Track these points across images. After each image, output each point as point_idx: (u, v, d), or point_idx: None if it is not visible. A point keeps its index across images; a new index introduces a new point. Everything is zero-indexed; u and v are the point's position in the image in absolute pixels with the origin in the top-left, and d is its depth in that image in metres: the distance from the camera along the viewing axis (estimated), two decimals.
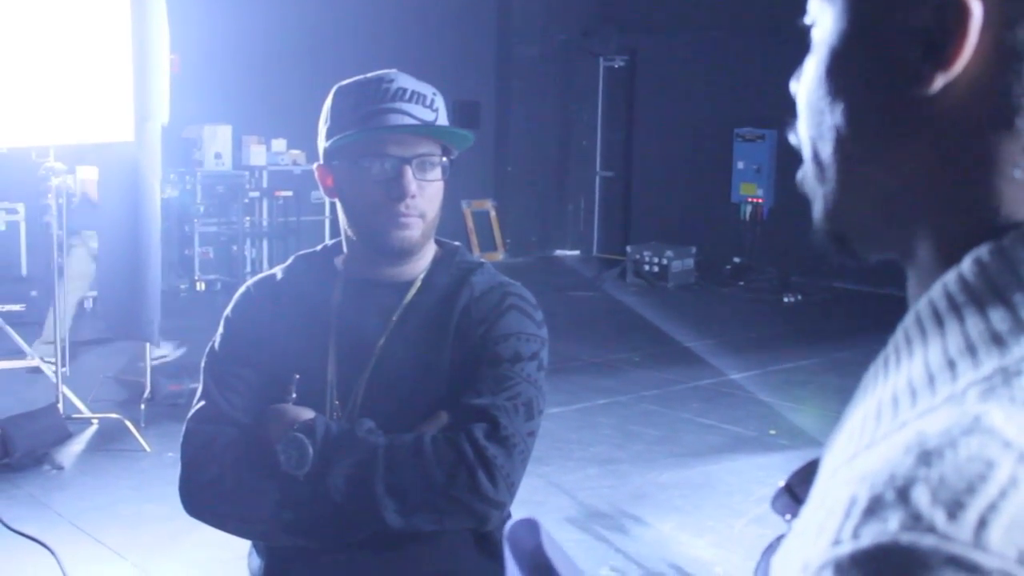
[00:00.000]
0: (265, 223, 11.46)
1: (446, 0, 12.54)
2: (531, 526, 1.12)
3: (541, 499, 5.05)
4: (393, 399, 1.81)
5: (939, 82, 0.64)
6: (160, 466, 5.60)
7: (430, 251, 1.93)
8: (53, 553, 4.29)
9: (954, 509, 0.51)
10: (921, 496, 0.52)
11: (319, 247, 2.03)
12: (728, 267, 11.83)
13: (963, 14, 0.62)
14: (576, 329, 9.25)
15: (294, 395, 1.81)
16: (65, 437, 5.83)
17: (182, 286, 10.59)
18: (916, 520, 0.51)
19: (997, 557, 0.50)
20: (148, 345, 6.26)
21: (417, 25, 12.12)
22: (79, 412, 6.11)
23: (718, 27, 11.89)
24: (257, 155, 11.25)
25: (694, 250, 11.81)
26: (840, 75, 0.70)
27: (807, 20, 0.72)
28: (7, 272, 9.21)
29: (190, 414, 1.88)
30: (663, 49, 12.80)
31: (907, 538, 0.51)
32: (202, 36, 9.39)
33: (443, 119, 1.87)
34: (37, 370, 6.39)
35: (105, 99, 5.68)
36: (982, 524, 0.50)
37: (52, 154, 5.93)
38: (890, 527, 0.51)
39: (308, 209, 11.41)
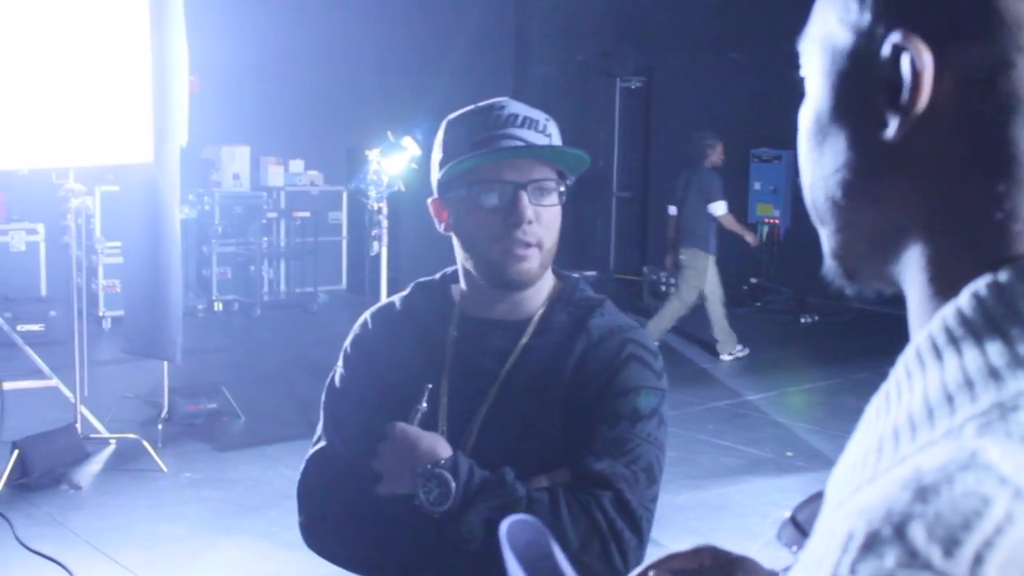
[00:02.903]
0: (283, 244, 11.49)
1: (464, 21, 12.59)
2: (526, 524, 1.13)
3: None
4: (504, 444, 1.76)
5: (904, 127, 0.66)
6: (177, 486, 5.61)
7: (547, 283, 1.87)
8: (70, 573, 4.31)
9: (950, 546, 0.51)
10: (917, 532, 0.52)
11: (438, 275, 1.96)
12: (745, 287, 11.81)
13: (916, 62, 0.65)
14: None
15: (424, 405, 1.75)
16: (83, 457, 5.85)
17: (200, 306, 10.63)
18: (912, 557, 0.51)
19: None
20: (166, 364, 6.28)
21: (435, 46, 12.16)
22: (97, 432, 6.13)
23: (735, 48, 11.91)
24: (275, 176, 11.30)
25: None
26: (824, 127, 0.73)
27: (801, 73, 0.76)
28: (27, 292, 9.26)
29: (309, 452, 1.86)
30: (680, 70, 12.81)
31: (903, 574, 0.51)
32: (221, 58, 9.45)
33: (557, 144, 1.83)
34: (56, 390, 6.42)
35: (125, 120, 5.72)
36: (978, 561, 0.51)
37: (72, 175, 5.97)
38: (887, 564, 0.52)
39: (326, 230, 11.45)
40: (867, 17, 0.69)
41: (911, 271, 0.69)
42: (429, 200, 1.88)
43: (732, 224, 8.90)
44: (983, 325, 0.61)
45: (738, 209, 11.95)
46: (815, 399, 7.75)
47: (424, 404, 1.76)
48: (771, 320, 10.99)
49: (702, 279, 8.76)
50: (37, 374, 6.48)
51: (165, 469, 5.77)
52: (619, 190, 14.07)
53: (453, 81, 12.40)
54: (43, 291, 9.46)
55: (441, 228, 1.88)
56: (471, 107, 1.84)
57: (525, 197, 1.75)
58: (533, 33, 13.64)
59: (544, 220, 1.78)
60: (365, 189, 5.89)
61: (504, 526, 1.16)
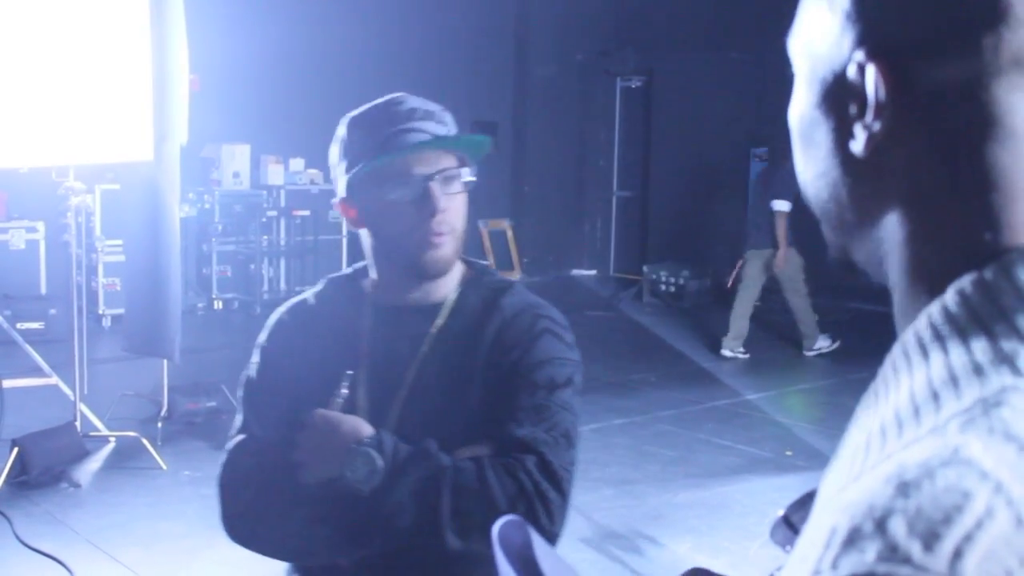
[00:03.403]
0: (283, 242, 11.49)
1: (464, 21, 12.59)
2: (518, 526, 1.13)
3: None
4: (426, 425, 1.81)
5: (870, 143, 0.68)
6: (177, 484, 5.61)
7: (457, 269, 1.93)
8: (70, 571, 4.31)
9: (930, 540, 0.51)
10: (898, 527, 0.52)
11: (350, 269, 2.02)
12: None
13: (878, 85, 0.66)
14: (592, 349, 9.22)
15: (345, 391, 1.80)
16: (82, 455, 5.85)
17: (200, 304, 10.63)
18: (893, 551, 0.52)
19: None
20: (165, 362, 6.28)
21: (435, 46, 12.17)
22: (96, 430, 6.13)
23: (735, 48, 11.91)
24: (275, 174, 11.30)
25: (711, 270, 11.79)
26: (808, 132, 0.75)
27: (794, 70, 0.77)
28: (27, 291, 9.26)
29: (229, 446, 1.88)
30: (680, 69, 12.81)
31: (883, 569, 0.51)
32: (221, 56, 9.45)
33: (454, 132, 1.89)
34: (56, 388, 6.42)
35: (124, 119, 5.72)
36: (957, 555, 0.51)
37: (72, 174, 5.97)
38: (867, 558, 0.52)
39: (326, 228, 11.45)
40: (837, 29, 0.70)
41: (895, 271, 0.70)
42: (334, 201, 1.93)
43: (780, 228, 8.69)
44: (968, 322, 0.61)
45: (739, 209, 11.97)
46: (815, 399, 7.76)
47: (344, 390, 1.80)
48: (771, 320, 10.98)
49: (797, 268, 8.73)
50: (37, 372, 6.48)
51: (165, 467, 5.77)
52: (619, 189, 14.07)
53: (454, 80, 12.41)
54: (43, 289, 9.46)
55: (350, 226, 1.93)
56: (370, 105, 1.89)
57: (435, 188, 1.81)
58: (533, 32, 13.64)
59: (453, 208, 1.84)
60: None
61: (496, 528, 1.17)
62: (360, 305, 1.93)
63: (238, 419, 1.92)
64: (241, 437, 1.88)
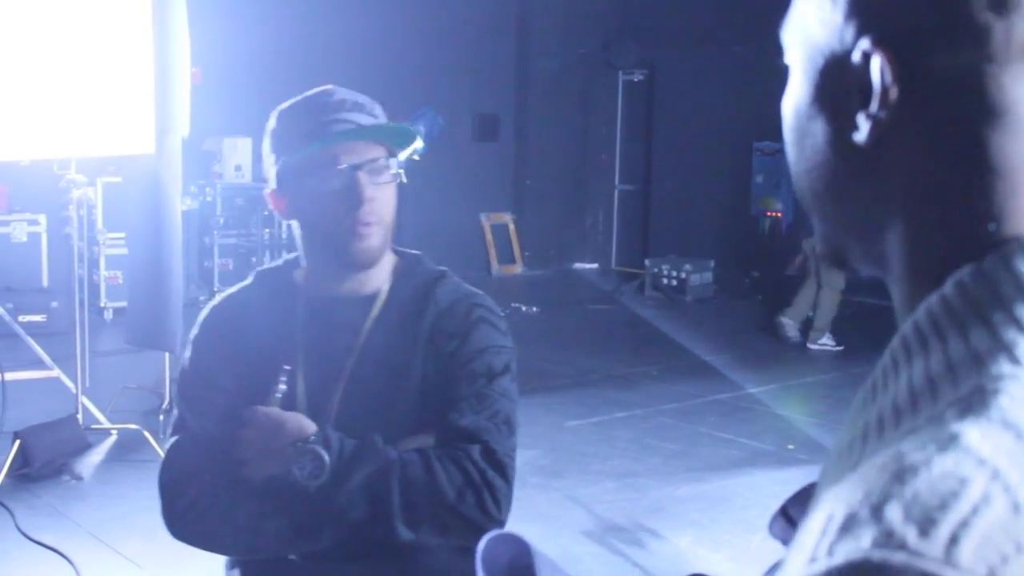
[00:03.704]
0: (284, 235, 11.48)
1: (465, 14, 12.57)
2: (508, 540, 1.11)
3: (558, 513, 5.04)
4: (366, 417, 1.81)
5: (874, 132, 0.67)
6: None
7: (389, 260, 1.94)
8: (72, 563, 4.31)
9: (926, 526, 0.51)
10: (894, 513, 0.52)
11: (280, 261, 2.05)
12: (747, 281, 11.80)
13: (884, 72, 0.66)
14: (594, 342, 9.24)
15: (283, 387, 1.80)
16: (84, 447, 5.85)
17: (201, 297, 10.61)
18: (888, 537, 0.51)
19: (968, 574, 0.50)
20: (167, 355, 6.28)
21: (437, 39, 12.15)
22: (98, 423, 6.13)
23: (738, 41, 11.88)
24: None
25: (713, 264, 11.78)
26: (803, 122, 0.74)
27: (786, 61, 0.76)
28: (29, 283, 9.25)
29: (167, 444, 1.88)
30: (683, 63, 12.80)
31: (879, 555, 0.51)
32: (223, 49, 9.44)
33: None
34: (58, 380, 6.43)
35: (126, 111, 5.71)
36: (953, 541, 0.51)
37: (73, 166, 5.97)
38: (862, 544, 0.52)
39: None
40: (839, 19, 0.70)
41: (894, 263, 0.70)
42: (266, 191, 1.93)
43: None
44: (967, 312, 0.61)
45: (741, 202, 11.97)
46: (816, 392, 7.76)
47: (283, 386, 1.80)
48: (773, 314, 10.97)
49: None
50: (39, 365, 6.48)
51: None
52: (621, 183, 14.06)
53: (455, 74, 12.40)
54: (45, 282, 9.46)
55: (281, 216, 1.96)
56: (300, 96, 1.90)
57: (362, 178, 1.82)
58: (535, 26, 13.61)
59: (381, 198, 1.85)
60: None
61: (481, 546, 1.16)
62: (292, 297, 1.93)
63: (174, 416, 1.91)
64: (177, 436, 1.88)
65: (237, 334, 1.90)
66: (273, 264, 2.05)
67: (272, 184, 1.90)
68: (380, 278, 1.92)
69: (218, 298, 2.02)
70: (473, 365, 1.85)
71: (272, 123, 1.90)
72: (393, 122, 1.90)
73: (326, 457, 1.71)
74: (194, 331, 1.97)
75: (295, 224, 1.93)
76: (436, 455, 1.76)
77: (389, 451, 1.75)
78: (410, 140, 1.90)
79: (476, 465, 1.76)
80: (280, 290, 1.96)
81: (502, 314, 1.97)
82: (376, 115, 1.87)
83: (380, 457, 1.73)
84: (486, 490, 1.76)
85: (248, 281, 2.01)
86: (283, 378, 1.81)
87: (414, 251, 2.02)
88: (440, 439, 1.79)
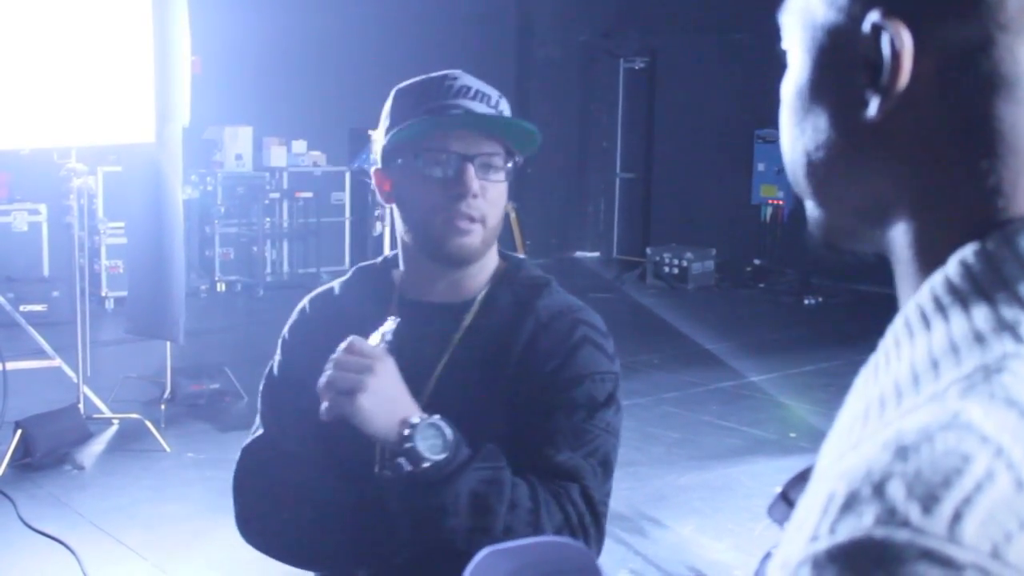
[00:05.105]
0: (285, 224, 11.49)
1: (467, 2, 12.55)
2: (501, 556, 1.07)
3: None
4: None
5: (885, 106, 0.66)
6: (180, 466, 5.62)
7: (491, 264, 1.79)
8: (74, 553, 4.32)
9: (929, 503, 0.51)
10: (896, 490, 0.52)
11: (379, 259, 1.89)
12: (748, 269, 11.80)
13: (896, 42, 0.65)
14: None
15: (390, 336, 1.62)
16: (86, 437, 5.86)
17: (203, 287, 10.63)
18: (891, 514, 0.51)
19: (971, 551, 0.50)
20: (169, 344, 6.29)
21: (437, 26, 12.13)
22: (100, 412, 6.14)
23: (739, 29, 11.86)
24: (278, 156, 11.28)
25: (714, 252, 11.79)
26: (805, 103, 0.73)
27: (783, 46, 0.75)
28: (30, 273, 9.26)
29: (246, 442, 1.79)
30: (684, 51, 12.77)
31: (881, 532, 0.51)
32: (223, 38, 9.42)
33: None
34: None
35: (127, 100, 5.71)
36: (956, 518, 0.50)
37: (74, 155, 5.96)
38: (865, 522, 0.51)
39: (328, 210, 11.44)
40: None
41: (898, 245, 0.70)
42: (372, 169, 1.80)
43: None
44: (970, 291, 0.61)
45: (742, 190, 11.95)
46: (818, 380, 7.75)
47: (390, 336, 1.62)
48: (775, 301, 10.98)
49: None
50: (40, 354, 6.48)
51: (168, 449, 5.78)
52: (622, 171, 14.05)
53: (456, 62, 12.35)
54: (46, 271, 9.46)
55: (382, 199, 1.81)
56: (423, 76, 1.76)
57: (471, 169, 1.67)
58: (536, 14, 13.59)
59: (489, 196, 1.70)
60: (368, 169, 5.88)
61: (472, 564, 1.09)
62: (386, 298, 1.79)
63: (257, 417, 1.83)
64: (258, 434, 1.79)
65: (326, 333, 1.71)
66: (373, 261, 1.89)
67: (378, 162, 1.77)
68: (479, 282, 1.77)
69: (312, 293, 1.89)
70: (573, 393, 1.67)
71: (389, 101, 1.77)
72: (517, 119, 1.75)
73: (448, 433, 1.54)
74: (285, 329, 1.85)
75: (396, 214, 1.78)
76: (541, 486, 1.60)
77: (504, 459, 1.59)
78: (533, 141, 1.76)
79: (576, 507, 1.62)
80: (375, 289, 1.82)
81: (608, 333, 1.78)
82: (500, 109, 1.73)
83: (499, 465, 1.58)
84: (581, 536, 1.61)
85: (346, 277, 1.87)
86: (392, 328, 1.63)
87: (520, 255, 1.86)
88: (532, 472, 1.62)
